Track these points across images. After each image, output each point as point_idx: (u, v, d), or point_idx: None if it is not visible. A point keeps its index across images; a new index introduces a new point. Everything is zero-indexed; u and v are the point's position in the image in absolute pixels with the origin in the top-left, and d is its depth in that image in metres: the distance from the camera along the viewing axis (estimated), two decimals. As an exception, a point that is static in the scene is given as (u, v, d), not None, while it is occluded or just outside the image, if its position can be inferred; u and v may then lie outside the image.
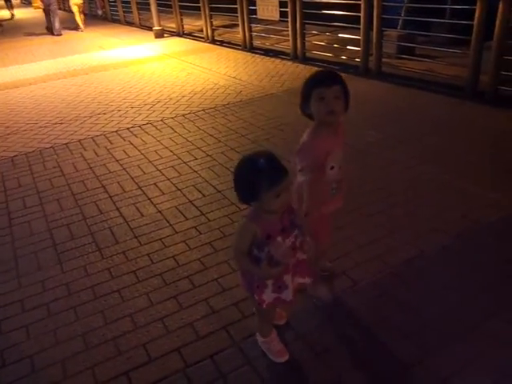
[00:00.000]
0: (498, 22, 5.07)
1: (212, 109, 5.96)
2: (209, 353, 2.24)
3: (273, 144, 4.66)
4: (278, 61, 8.39)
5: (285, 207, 1.80)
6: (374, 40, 6.60)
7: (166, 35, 12.33)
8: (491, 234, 2.98)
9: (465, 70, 5.64)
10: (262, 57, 8.86)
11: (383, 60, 6.94)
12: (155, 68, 8.69)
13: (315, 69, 7.39)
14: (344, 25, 7.83)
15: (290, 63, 8.10)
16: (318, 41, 8.63)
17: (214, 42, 10.83)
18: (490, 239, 2.93)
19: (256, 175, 1.67)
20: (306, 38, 8.21)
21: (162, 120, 5.68)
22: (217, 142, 4.82)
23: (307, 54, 8.18)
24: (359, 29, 6.85)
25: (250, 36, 9.46)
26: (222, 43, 10.60)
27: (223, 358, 2.20)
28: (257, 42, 9.58)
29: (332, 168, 2.16)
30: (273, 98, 6.22)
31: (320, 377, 2.08)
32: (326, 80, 2.07)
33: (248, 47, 9.53)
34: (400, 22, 8.10)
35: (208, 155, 4.52)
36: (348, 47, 7.54)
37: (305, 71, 7.46)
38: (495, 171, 3.77)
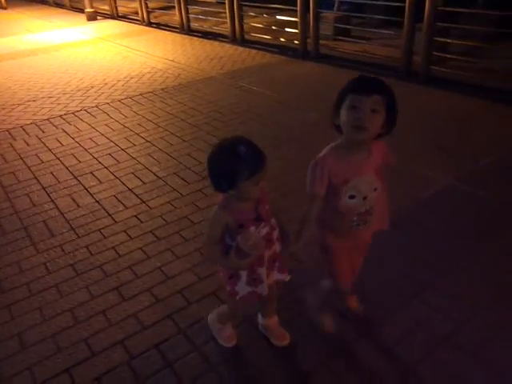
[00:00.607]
0: (427, 3, 5.23)
1: (150, 93, 5.79)
2: (154, 342, 2.19)
3: (213, 127, 4.60)
4: (216, 43, 8.27)
5: (259, 194, 1.69)
6: (311, 22, 6.62)
7: (99, 18, 11.80)
8: (426, 209, 3.10)
9: (398, 51, 5.81)
10: (201, 39, 8.70)
11: (321, 42, 7.00)
12: (88, 52, 8.30)
13: (254, 51, 7.42)
14: (281, 7, 7.83)
15: (228, 46, 8.00)
16: (256, 23, 8.57)
17: (150, 24, 10.48)
18: (425, 214, 3.05)
19: (236, 163, 1.55)
20: (245, 20, 8.13)
21: (96, 106, 5.44)
22: (156, 127, 4.69)
23: (246, 37, 8.13)
24: (296, 11, 6.85)
25: (188, 18, 9.24)
26: (158, 26, 10.29)
27: (169, 347, 2.16)
28: (195, 25, 9.37)
29: (352, 197, 1.79)
30: (212, 81, 6.12)
31: (264, 356, 2.09)
32: (366, 86, 1.65)
33: (186, 30, 9.31)
34: (336, 3, 8.20)
35: (147, 141, 4.39)
36: (286, 29, 7.55)
37: (244, 54, 7.41)
38: (427, 148, 3.92)
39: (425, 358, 2.01)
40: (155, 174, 3.75)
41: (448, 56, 5.78)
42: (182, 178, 3.65)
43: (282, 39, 7.62)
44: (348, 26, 7.65)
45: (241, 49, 7.72)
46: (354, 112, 1.63)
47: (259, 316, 2.19)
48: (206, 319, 2.25)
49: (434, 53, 5.90)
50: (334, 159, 1.74)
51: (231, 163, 1.56)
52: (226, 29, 8.39)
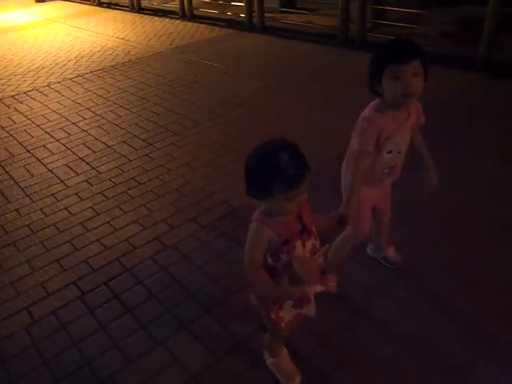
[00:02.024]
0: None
1: (100, 70, 5.94)
2: (103, 281, 2.49)
3: (161, 99, 4.84)
4: (166, 20, 8.38)
5: (300, 207, 1.50)
6: (255, -5, 6.86)
7: (47, -1, 11.65)
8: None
9: (337, 20, 6.13)
10: (151, 17, 8.78)
11: (267, 15, 7.24)
12: (38, 34, 8.28)
13: (203, 26, 7.60)
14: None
15: (178, 22, 8.14)
16: (205, -2, 8.72)
17: (100, 4, 10.44)
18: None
19: (272, 172, 1.36)
20: (193, -4, 8.28)
21: (48, 85, 5.57)
22: (106, 102, 4.90)
23: (195, 13, 8.26)
24: (241, -16, 7.06)
25: (137, -4, 9.29)
26: (109, 5, 10.26)
27: (116, 283, 2.47)
28: (145, 3, 9.43)
29: (389, 152, 1.89)
30: (162, 56, 6.31)
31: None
32: (403, 54, 1.69)
33: (136, 8, 9.35)
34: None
35: (97, 114, 4.60)
36: (233, 3, 7.74)
37: (193, 29, 7.58)
38: (360, 106, 4.28)
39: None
40: (105, 144, 3.99)
41: (386, 23, 6.16)
42: (129, 146, 3.91)
43: (229, 13, 7.81)
44: (293, -2, 7.91)
45: (190, 24, 7.88)
46: (398, 82, 1.69)
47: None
48: (151, 259, 2.57)
49: (372, 20, 6.29)
50: (382, 118, 1.81)
51: (267, 172, 1.38)
52: (175, 5, 8.51)
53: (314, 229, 1.58)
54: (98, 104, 4.86)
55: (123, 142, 4.00)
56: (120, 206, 3.12)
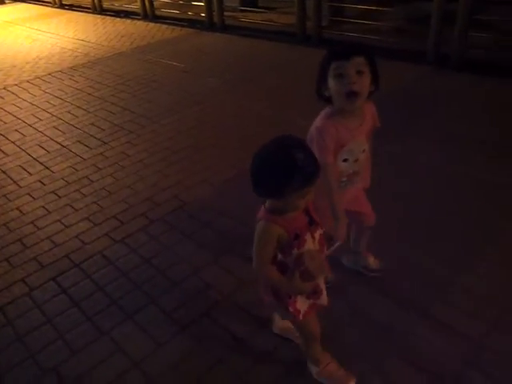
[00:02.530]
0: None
1: (59, 72, 5.92)
2: (51, 276, 2.52)
3: (118, 98, 4.86)
4: (128, 21, 8.38)
5: (305, 204, 1.49)
6: (214, -6, 6.92)
7: (7, 1, 11.50)
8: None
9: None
10: (113, 18, 8.76)
11: (228, 14, 7.31)
12: (-4, 37, 8.18)
13: (165, 27, 7.62)
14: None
15: (140, 23, 8.14)
16: (166, -1, 8.75)
17: (62, 6, 10.36)
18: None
19: (291, 170, 1.33)
20: (154, -3, 8.29)
21: (4, 88, 5.52)
22: (63, 103, 4.88)
23: (157, 13, 8.28)
24: (200, -16, 7.11)
25: (99, -2, 9.25)
26: (71, 7, 10.20)
27: (65, 278, 2.50)
28: (107, 4, 9.39)
29: (345, 160, 1.83)
30: (121, 57, 6.32)
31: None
32: (345, 50, 1.66)
33: (98, 10, 9.31)
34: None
35: (53, 115, 4.58)
36: (194, 3, 7.79)
37: (155, 29, 7.60)
38: (316, 104, 4.38)
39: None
40: (60, 144, 3.99)
41: (343, 20, 6.32)
42: (84, 145, 3.92)
43: (190, 13, 7.85)
44: (254, -3, 7.99)
45: (152, 25, 7.89)
46: (341, 79, 1.64)
47: (276, 318, 2.02)
48: (100, 254, 2.61)
49: (330, 17, 6.45)
50: (333, 126, 1.74)
51: (285, 169, 1.34)
52: (137, 6, 8.50)
53: (318, 220, 1.57)
54: (54, 105, 4.84)
55: (78, 141, 4.00)
56: (72, 204, 3.14)
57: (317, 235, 1.56)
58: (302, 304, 1.62)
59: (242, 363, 1.94)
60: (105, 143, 3.91)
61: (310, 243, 1.53)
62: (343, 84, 1.65)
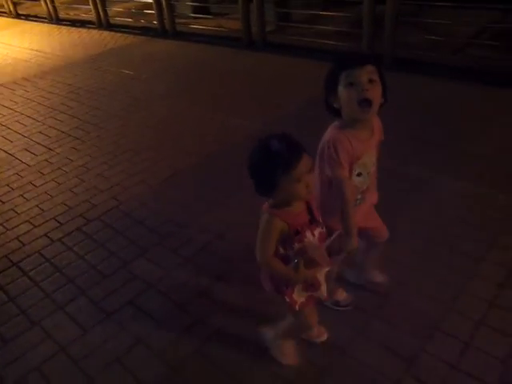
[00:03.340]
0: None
1: (11, 83, 6.02)
2: (-11, 276, 2.69)
3: (67, 106, 5.01)
4: (84, 30, 8.50)
5: (311, 193, 1.56)
6: (164, 2, 7.11)
7: (-37, 13, 11.39)
8: (236, 151, 3.79)
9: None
10: (69, 28, 8.87)
11: (180, 21, 7.52)
12: (-51, 49, 8.18)
13: (119, 35, 7.77)
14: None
15: (95, 31, 8.27)
16: (120, 7, 8.89)
17: (18, 16, 10.40)
18: (235, 155, 3.74)
19: (269, 158, 1.46)
20: (111, 6, 8.44)
21: (-46, 100, 5.60)
22: (12, 113, 5.01)
23: (111, 22, 8.43)
24: (151, -7, 7.29)
25: (54, 8, 9.32)
26: (27, 17, 10.24)
27: (2, 277, 2.66)
28: (63, 14, 9.48)
29: (359, 175, 1.78)
30: (74, 66, 6.45)
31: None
32: (356, 58, 1.65)
33: (54, 19, 9.39)
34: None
35: (2, 125, 4.71)
36: (146, 11, 7.96)
37: (108, 38, 7.75)
38: (260, 106, 4.64)
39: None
40: (6, 152, 4.13)
41: (289, 24, 6.61)
42: (30, 152, 4.07)
43: (142, 21, 8.02)
44: (205, 4, 8.22)
45: (106, 33, 8.03)
46: (353, 88, 1.59)
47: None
48: (38, 253, 2.78)
49: (277, 23, 6.73)
50: (347, 138, 1.68)
51: (264, 160, 1.47)
52: (93, 15, 8.62)
53: (320, 219, 1.66)
54: (4, 115, 4.97)
55: (25, 149, 4.15)
56: (14, 208, 3.30)
57: (316, 233, 1.62)
58: (298, 295, 1.69)
59: (161, 341, 2.15)
60: (50, 150, 4.07)
61: (311, 239, 1.60)
62: (355, 92, 1.59)
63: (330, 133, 1.73)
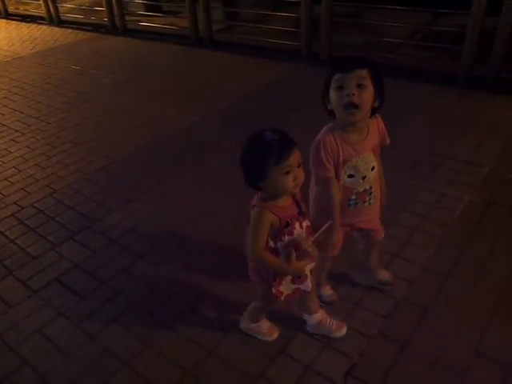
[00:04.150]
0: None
1: (-48, 79, 5.97)
2: None
3: (10, 100, 5.04)
4: (34, 26, 8.43)
5: (300, 186, 1.61)
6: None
7: None
8: (171, 142, 3.95)
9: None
10: (19, 23, 8.78)
11: (132, 18, 7.60)
12: None
13: (69, 31, 7.78)
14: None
15: (45, 27, 8.23)
16: (72, 4, 8.88)
17: (-34, 11, 10.16)
18: (170, 145, 3.90)
19: (261, 148, 1.52)
20: (62, 3, 8.42)
21: None
22: (-49, 108, 5.00)
23: (62, 17, 8.40)
24: (101, -10, 7.34)
25: (3, 2, 9.20)
26: (-24, 13, 10.02)
27: None
28: (12, 9, 9.36)
29: (351, 176, 1.81)
30: (20, 61, 6.45)
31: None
32: (347, 63, 1.67)
33: (3, 14, 9.26)
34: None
35: None
36: (97, 8, 7.99)
37: (59, 34, 7.74)
38: (186, 97, 4.82)
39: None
40: None
41: (237, 24, 6.81)
42: (-32, 145, 4.11)
43: (92, 17, 8.05)
44: (157, 3, 8.31)
45: (57, 29, 8.01)
46: (341, 91, 1.64)
47: (306, 318, 2.08)
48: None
49: (226, 22, 6.91)
50: (334, 140, 1.73)
51: (257, 150, 1.54)
52: (43, 11, 8.57)
53: (305, 210, 1.72)
54: None
55: (-40, 143, 4.18)
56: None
57: (304, 225, 1.68)
58: (285, 287, 1.74)
59: (82, 312, 2.29)
60: (-12, 143, 4.12)
61: (299, 231, 1.66)
62: (342, 96, 1.64)
63: (320, 134, 1.79)
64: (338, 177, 1.79)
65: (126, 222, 2.94)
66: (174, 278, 2.47)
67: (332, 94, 1.68)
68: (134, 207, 3.08)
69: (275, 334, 2.05)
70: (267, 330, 2.04)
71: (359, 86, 1.62)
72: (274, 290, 1.74)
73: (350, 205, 1.87)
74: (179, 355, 2.05)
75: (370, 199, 1.89)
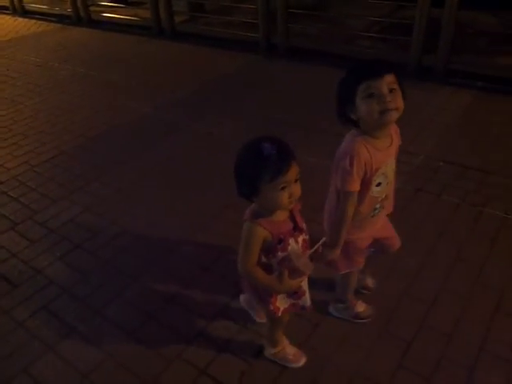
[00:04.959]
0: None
1: None
2: None
3: (-35, 93, 5.02)
4: (-2, 16, 8.33)
5: (294, 203, 1.52)
6: (77, -10, 7.14)
7: None
8: (121, 132, 3.99)
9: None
10: (-19, 14, 8.64)
11: (96, 9, 7.56)
12: None
13: (33, 21, 7.70)
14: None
15: (8, 17, 8.12)
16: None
17: None
18: (119, 136, 3.94)
19: (257, 161, 1.41)
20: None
21: None
22: None
23: (27, 8, 8.29)
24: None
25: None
26: None
27: None
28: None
29: (379, 185, 1.73)
30: (-24, 52, 6.39)
31: None
32: (376, 69, 1.58)
33: (-35, 4, 9.10)
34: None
35: None
36: (61, -1, 7.92)
37: (22, 24, 7.67)
38: (141, 88, 4.85)
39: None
40: None
41: (201, 15, 6.84)
42: None
43: (57, 8, 7.97)
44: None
45: (20, 20, 7.92)
46: (374, 99, 1.55)
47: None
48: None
49: (191, 13, 6.92)
50: (366, 149, 1.64)
51: (252, 162, 1.43)
52: (6, 1, 8.44)
53: (304, 225, 1.64)
54: None
55: None
56: None
57: (300, 240, 1.60)
58: (281, 302, 1.69)
59: (10, 301, 2.36)
60: None
61: (294, 247, 1.58)
62: (376, 102, 1.55)
63: (347, 144, 1.68)
64: (367, 189, 1.70)
65: (67, 213, 2.99)
66: (107, 265, 2.54)
67: (361, 103, 1.58)
68: (76, 197, 3.13)
69: (302, 360, 1.94)
70: (292, 357, 1.94)
71: (390, 90, 1.56)
72: (271, 307, 1.69)
73: (373, 215, 1.82)
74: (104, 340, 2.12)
75: (386, 203, 1.85)
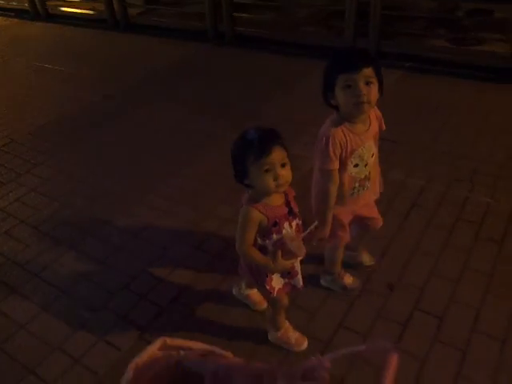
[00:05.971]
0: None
1: None
2: None
3: None
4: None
5: (284, 186, 1.63)
6: (32, -16, 7.27)
7: None
8: (69, 121, 4.24)
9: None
10: None
11: (53, 3, 7.69)
12: None
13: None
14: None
15: (-35, 14, 8.21)
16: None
17: None
18: (68, 123, 4.19)
19: (242, 145, 1.59)
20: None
21: None
22: None
23: (-16, 4, 8.38)
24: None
25: None
26: None
27: None
28: None
29: (356, 166, 1.87)
30: None
31: None
32: (354, 62, 1.68)
33: None
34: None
35: None
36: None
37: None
38: (92, 78, 5.10)
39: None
40: None
41: (157, 7, 7.08)
42: None
43: (14, 3, 8.09)
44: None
45: (-23, 15, 8.03)
46: (350, 91, 1.66)
47: (242, 286, 2.20)
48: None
49: (147, 6, 7.13)
50: (342, 132, 1.77)
51: (239, 146, 1.61)
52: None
53: (297, 210, 1.76)
54: None
55: None
56: None
57: (294, 224, 1.73)
58: (276, 282, 1.80)
59: None
60: None
61: (288, 230, 1.70)
62: (352, 95, 1.67)
63: (326, 127, 1.81)
64: (344, 168, 1.84)
65: (14, 193, 3.25)
66: (47, 237, 2.82)
67: (339, 92, 1.71)
68: (22, 180, 3.39)
69: (304, 344, 2.02)
70: (295, 341, 2.02)
71: (367, 83, 1.66)
72: (267, 287, 1.80)
73: (352, 194, 1.95)
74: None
75: (368, 184, 1.97)
